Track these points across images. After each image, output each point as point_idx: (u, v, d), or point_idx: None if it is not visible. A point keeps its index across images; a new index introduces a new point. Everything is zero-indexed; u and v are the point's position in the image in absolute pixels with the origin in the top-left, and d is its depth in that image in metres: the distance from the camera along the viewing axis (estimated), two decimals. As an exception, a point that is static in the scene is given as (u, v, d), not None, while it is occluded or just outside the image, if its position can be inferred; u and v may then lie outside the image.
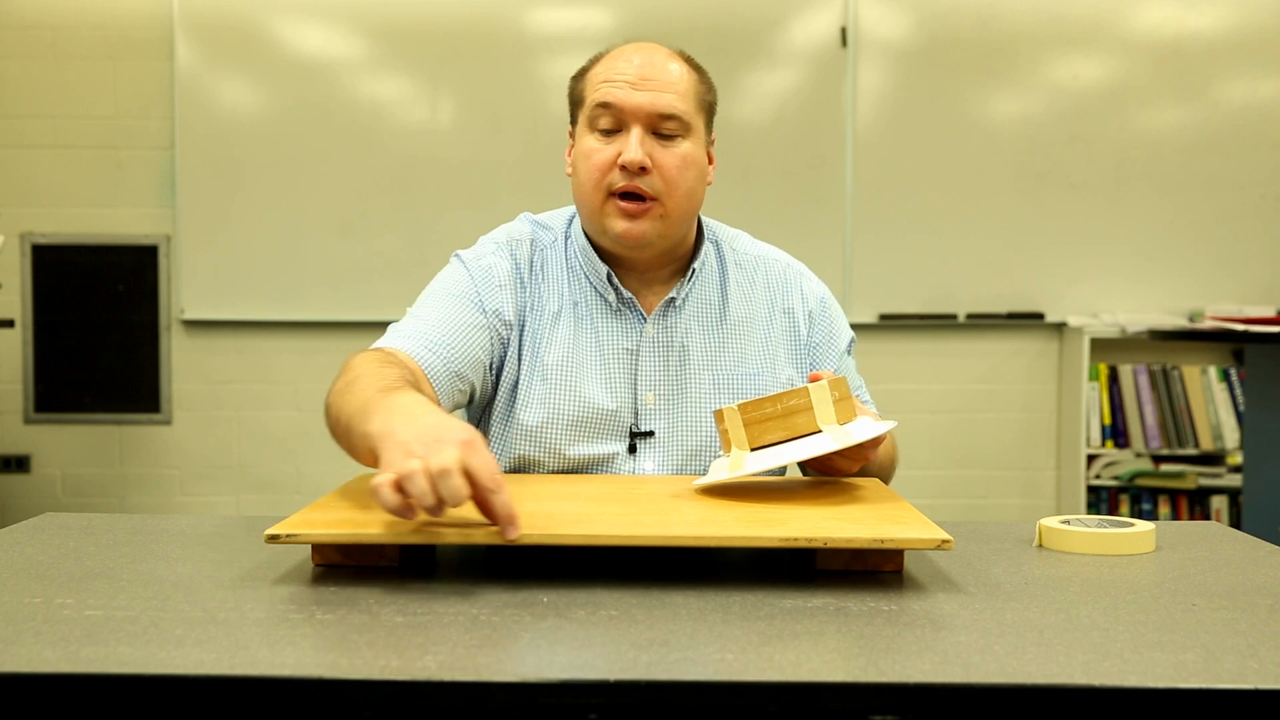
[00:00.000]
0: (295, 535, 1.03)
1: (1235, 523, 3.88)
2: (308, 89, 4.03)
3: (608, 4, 4.05)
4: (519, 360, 1.51)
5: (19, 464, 4.14)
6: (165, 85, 4.05)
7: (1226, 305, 3.98)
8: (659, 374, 1.52)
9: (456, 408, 1.50)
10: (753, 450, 1.25)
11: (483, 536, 1.03)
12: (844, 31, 4.02)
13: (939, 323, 4.10)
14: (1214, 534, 1.30)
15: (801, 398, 1.25)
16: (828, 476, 1.38)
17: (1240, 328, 2.81)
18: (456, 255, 1.56)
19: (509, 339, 1.50)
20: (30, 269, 4.10)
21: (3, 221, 4.03)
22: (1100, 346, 4.06)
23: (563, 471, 1.49)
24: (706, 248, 1.58)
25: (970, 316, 4.10)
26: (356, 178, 4.04)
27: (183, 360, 4.11)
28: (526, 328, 1.51)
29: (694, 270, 1.54)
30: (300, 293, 4.05)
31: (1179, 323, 3.96)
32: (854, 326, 1.74)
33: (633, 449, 1.50)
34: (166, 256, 4.09)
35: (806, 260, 1.69)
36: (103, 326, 4.11)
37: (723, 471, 1.26)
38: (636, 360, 1.52)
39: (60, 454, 4.16)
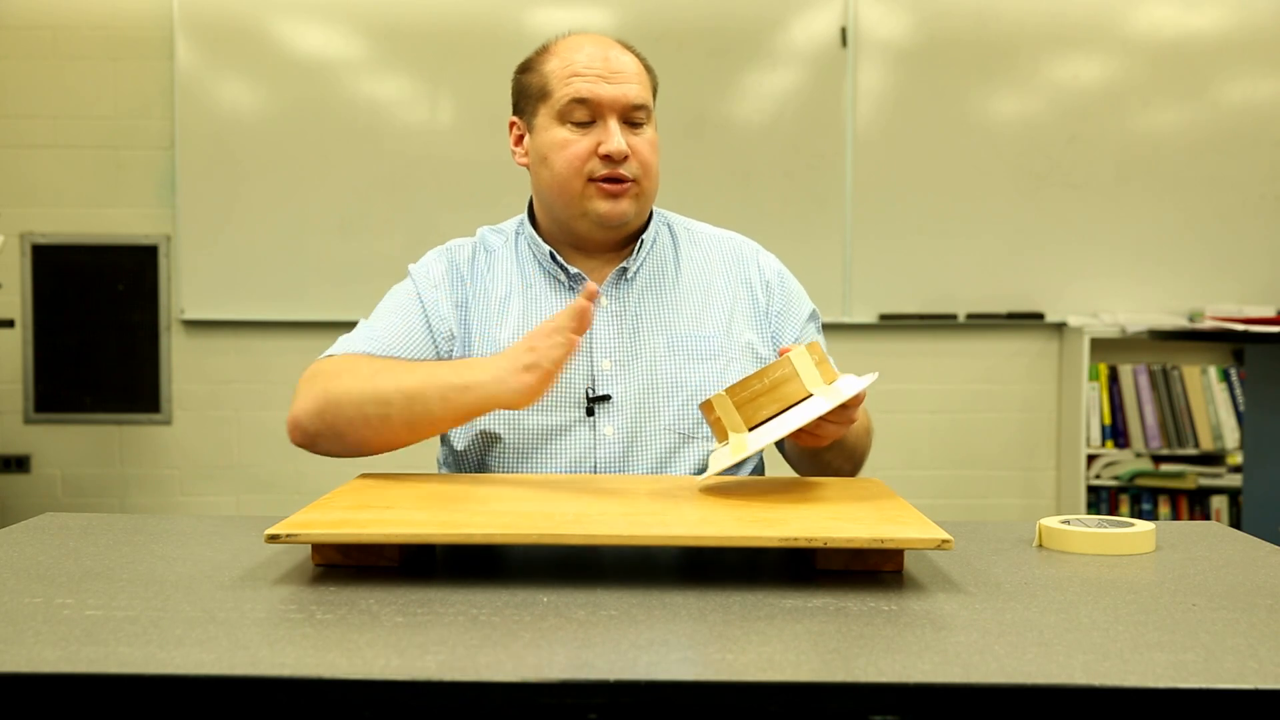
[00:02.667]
0: (295, 535, 1.03)
1: (1235, 523, 3.88)
2: (308, 89, 4.03)
3: (608, 4, 4.05)
4: (468, 347, 1.56)
5: (19, 464, 4.14)
6: (165, 85, 4.05)
7: (1226, 305, 3.98)
8: (614, 341, 1.56)
9: None
10: (750, 430, 1.25)
11: (482, 537, 1.03)
12: (844, 31, 4.02)
13: (939, 323, 4.10)
14: (1214, 534, 1.30)
15: (784, 368, 1.25)
16: (818, 446, 1.36)
17: (1240, 328, 2.81)
18: (409, 276, 1.64)
19: (451, 332, 1.57)
20: (30, 269, 4.10)
21: (3, 221, 4.03)
22: (1100, 346, 4.06)
23: (524, 443, 1.53)
24: (658, 225, 1.65)
25: (970, 316, 4.10)
26: (356, 178, 4.04)
27: (183, 360, 4.11)
28: (472, 317, 1.57)
29: (643, 241, 1.60)
30: (300, 293, 4.05)
31: (1179, 323, 3.96)
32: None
33: (590, 412, 1.53)
34: (166, 256, 4.09)
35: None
36: (103, 326, 4.11)
37: (725, 458, 1.25)
38: (590, 329, 1.55)
39: (60, 454, 4.16)
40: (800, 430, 1.27)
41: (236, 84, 4.05)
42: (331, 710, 0.77)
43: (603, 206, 1.53)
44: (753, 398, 1.25)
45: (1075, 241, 4.08)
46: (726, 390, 1.26)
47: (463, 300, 1.58)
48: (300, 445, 1.51)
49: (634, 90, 1.53)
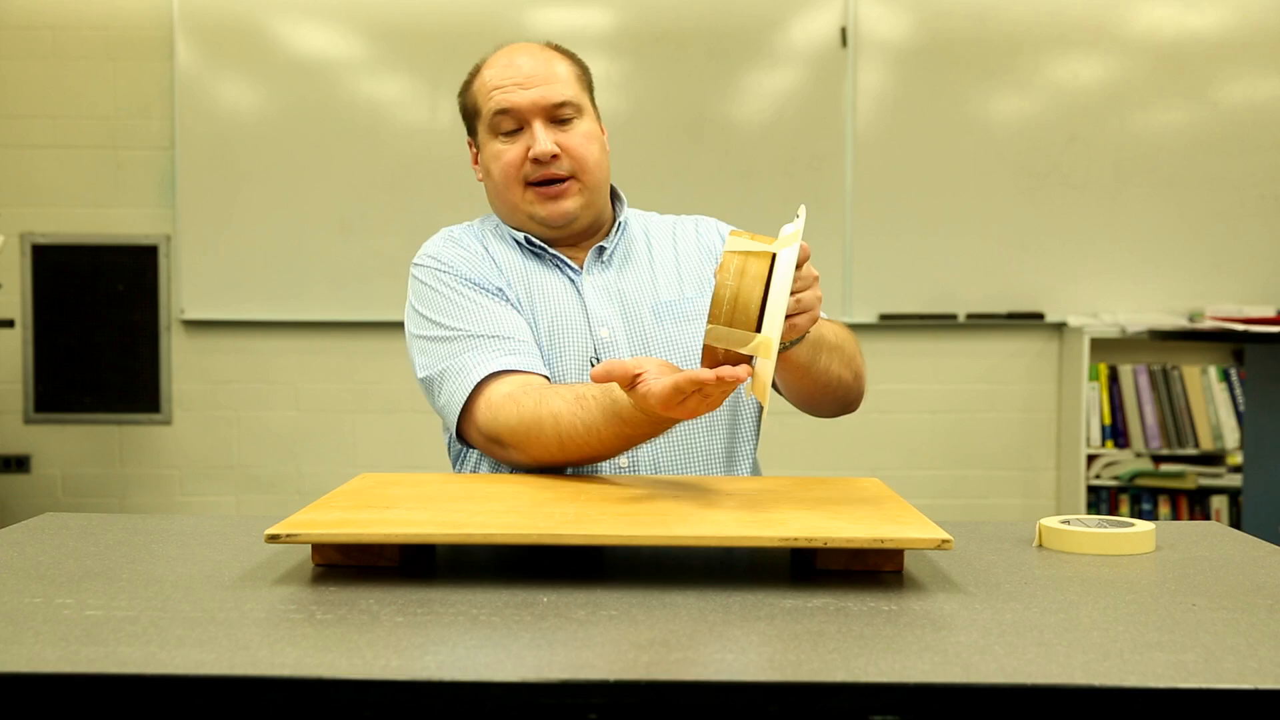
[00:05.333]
0: (295, 535, 1.03)
1: (1235, 523, 3.88)
2: (308, 89, 4.03)
3: (608, 4, 4.05)
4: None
5: (19, 464, 4.14)
6: (165, 85, 4.05)
7: (1226, 305, 3.98)
8: (606, 311, 1.59)
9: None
10: (758, 328, 1.16)
11: (482, 537, 1.03)
12: (844, 31, 4.02)
13: (939, 323, 4.10)
14: (1214, 534, 1.30)
15: (733, 257, 1.17)
16: (811, 325, 1.29)
17: (1240, 328, 2.81)
18: (421, 267, 1.62)
19: (511, 294, 1.59)
20: (30, 269, 4.10)
21: (3, 221, 4.03)
22: (1100, 346, 4.06)
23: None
24: (625, 213, 1.69)
25: (970, 316, 4.10)
26: (356, 178, 4.04)
27: (183, 360, 4.11)
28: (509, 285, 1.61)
29: (620, 224, 1.65)
30: (300, 293, 4.05)
31: (1179, 323, 3.96)
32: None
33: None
34: (166, 256, 4.09)
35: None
36: (103, 326, 4.11)
37: (765, 367, 1.16)
38: (583, 301, 1.60)
39: (60, 454, 4.16)
40: (790, 316, 1.21)
41: (236, 84, 4.05)
42: (331, 710, 0.77)
43: (543, 210, 1.59)
44: (734, 301, 1.16)
45: (1075, 241, 4.08)
46: (709, 322, 1.17)
47: (499, 268, 1.61)
48: (481, 449, 1.53)
49: (554, 90, 1.57)
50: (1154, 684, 0.77)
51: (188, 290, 4.06)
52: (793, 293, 1.21)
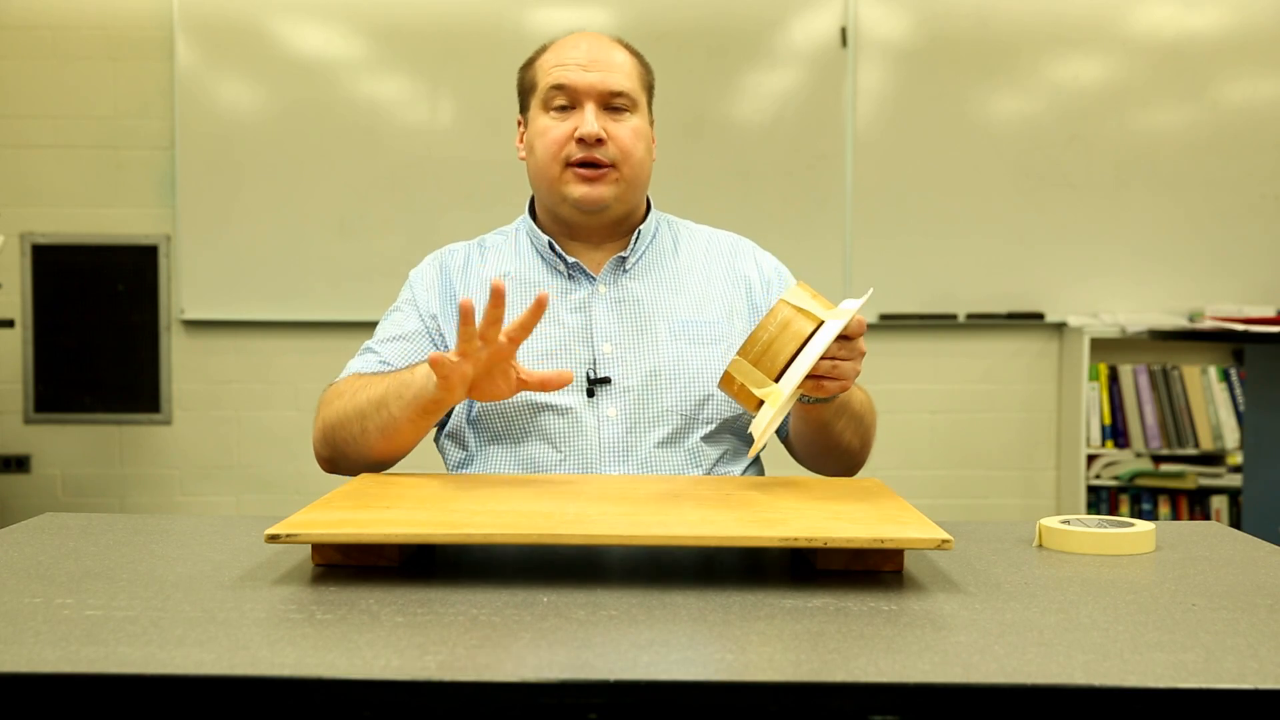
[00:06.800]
0: (295, 535, 1.03)
1: (1235, 523, 3.88)
2: (308, 89, 4.03)
3: (608, 4, 4.05)
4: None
5: (19, 464, 4.14)
6: (165, 85, 4.05)
7: (1226, 305, 3.98)
8: (614, 325, 1.58)
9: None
10: (778, 379, 1.21)
11: (482, 537, 1.03)
12: (844, 31, 4.02)
13: (939, 323, 4.10)
14: (1214, 534, 1.30)
15: (784, 309, 1.22)
16: (839, 390, 1.31)
17: (1240, 328, 2.81)
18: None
19: (442, 329, 1.60)
20: (30, 269, 4.10)
21: (3, 221, 4.03)
22: (1100, 346, 4.06)
23: (526, 426, 1.54)
24: (656, 218, 1.68)
25: (970, 316, 4.10)
26: (356, 178, 4.04)
27: (183, 360, 4.11)
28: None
29: (640, 232, 1.63)
30: (300, 293, 4.05)
31: (1179, 323, 3.96)
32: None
33: (591, 394, 1.54)
34: (166, 256, 4.09)
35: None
36: (103, 326, 4.11)
37: (766, 415, 1.21)
38: (590, 314, 1.59)
39: (60, 454, 4.16)
40: (818, 377, 1.25)
41: (236, 84, 4.05)
42: (331, 710, 0.77)
43: (578, 190, 1.57)
44: (766, 347, 1.21)
45: (1075, 241, 4.08)
46: (739, 352, 1.23)
47: (453, 294, 1.62)
48: (328, 471, 1.55)
49: (614, 78, 1.57)
50: (1154, 684, 0.77)
51: (188, 290, 4.06)
52: (835, 358, 1.26)
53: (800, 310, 1.22)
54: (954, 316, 4.10)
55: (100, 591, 0.99)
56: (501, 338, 1.30)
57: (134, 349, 4.11)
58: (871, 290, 1.33)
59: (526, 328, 1.30)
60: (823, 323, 1.21)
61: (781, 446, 1.67)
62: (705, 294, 1.63)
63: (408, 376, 1.43)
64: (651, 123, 1.66)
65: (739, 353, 1.23)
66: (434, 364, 1.31)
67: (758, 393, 1.22)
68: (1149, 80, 4.07)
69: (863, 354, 1.30)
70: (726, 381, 1.25)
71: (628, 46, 1.65)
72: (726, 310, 1.62)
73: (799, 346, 1.21)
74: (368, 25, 4.03)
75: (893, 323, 4.08)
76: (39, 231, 4.09)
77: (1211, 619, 0.93)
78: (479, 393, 1.37)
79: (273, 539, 1.02)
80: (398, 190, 4.04)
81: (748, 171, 4.05)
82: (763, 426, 1.21)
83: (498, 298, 1.26)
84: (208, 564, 1.10)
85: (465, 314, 1.27)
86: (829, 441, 1.52)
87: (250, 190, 4.04)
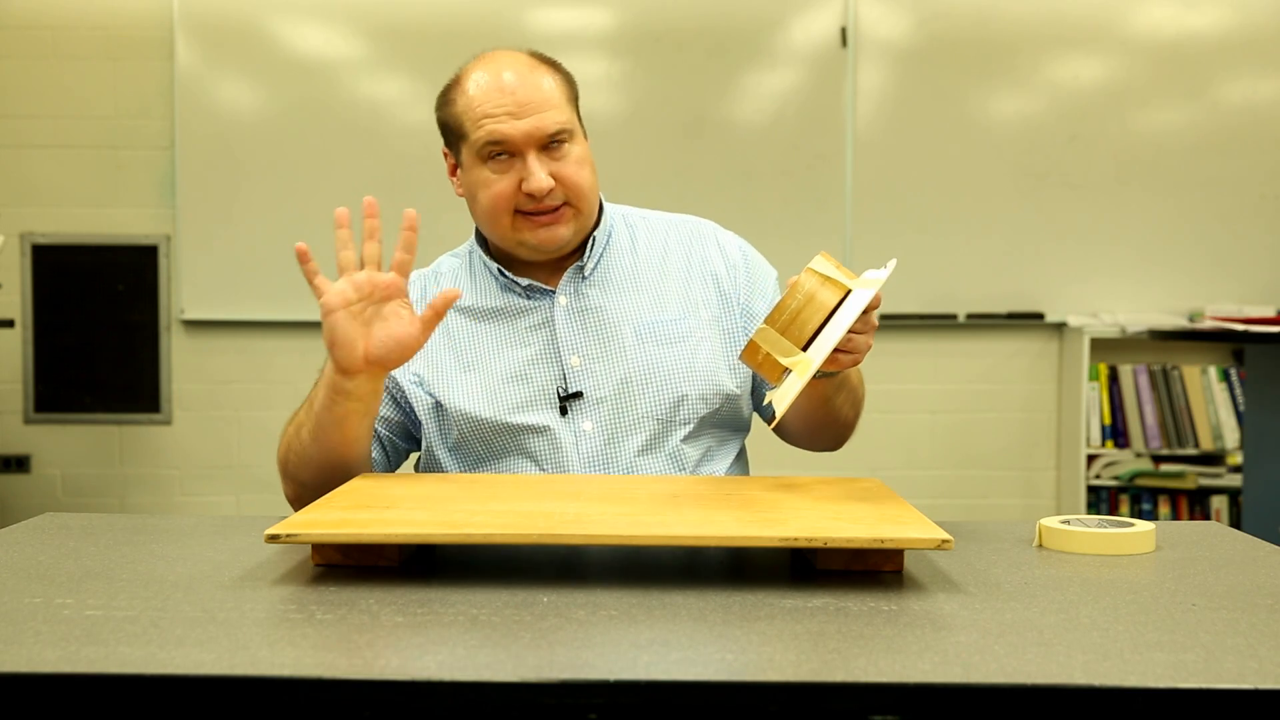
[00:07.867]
0: (295, 535, 1.03)
1: (1235, 523, 3.88)
2: (308, 89, 4.03)
3: (608, 4, 4.05)
4: (440, 373, 1.56)
5: (19, 464, 4.14)
6: (165, 85, 4.05)
7: (1226, 305, 3.98)
8: (578, 337, 1.56)
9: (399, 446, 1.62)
10: (804, 348, 1.20)
11: (482, 537, 1.03)
12: (844, 31, 4.02)
13: (939, 323, 4.10)
14: (1214, 534, 1.30)
15: (812, 279, 1.21)
16: (853, 365, 1.31)
17: (1240, 328, 2.81)
18: None
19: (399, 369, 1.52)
20: (30, 269, 4.10)
21: (3, 221, 4.03)
22: (1100, 346, 4.06)
23: (501, 447, 1.53)
24: (610, 219, 1.64)
25: (970, 316, 4.10)
26: (356, 178, 4.04)
27: (183, 360, 4.11)
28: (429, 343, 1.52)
29: (594, 239, 1.59)
30: (300, 293, 4.01)
31: (1179, 323, 3.96)
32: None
33: (564, 411, 1.53)
34: (166, 256, 4.09)
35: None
36: (103, 326, 4.11)
37: (795, 384, 1.19)
38: (553, 330, 1.56)
39: (60, 454, 4.16)
40: (839, 351, 1.24)
41: (236, 84, 4.05)
42: (331, 710, 0.77)
43: (534, 237, 1.53)
44: (794, 316, 1.20)
45: (1075, 241, 4.08)
46: (765, 321, 1.21)
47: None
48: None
49: (548, 118, 1.50)
50: (1154, 684, 0.77)
51: (188, 290, 4.06)
52: (852, 331, 1.24)
53: (826, 280, 1.21)
54: (954, 316, 4.10)
55: (100, 591, 0.99)
56: (391, 274, 1.41)
57: (134, 349, 4.11)
58: (895, 260, 1.29)
59: (438, 311, 1.36)
60: (850, 292, 1.20)
61: (764, 441, 1.67)
62: (662, 288, 1.60)
63: (320, 376, 1.43)
64: (583, 126, 1.59)
65: (766, 321, 1.21)
66: (311, 281, 1.40)
67: (785, 361, 1.20)
68: (1149, 80, 4.07)
69: (875, 328, 1.29)
70: (750, 351, 1.22)
71: (544, 60, 1.57)
72: (685, 298, 1.59)
73: (826, 316, 1.20)
74: (368, 25, 4.03)
75: (892, 322, 4.08)
76: (39, 231, 4.09)
77: (1211, 619, 0.93)
78: (379, 342, 1.35)
79: (273, 539, 1.02)
80: (398, 190, 4.03)
81: (748, 171, 4.05)
82: (790, 397, 1.19)
83: (370, 208, 1.42)
84: (208, 564, 1.10)
85: (339, 221, 1.40)
86: (828, 416, 1.52)
87: (250, 190, 4.04)
